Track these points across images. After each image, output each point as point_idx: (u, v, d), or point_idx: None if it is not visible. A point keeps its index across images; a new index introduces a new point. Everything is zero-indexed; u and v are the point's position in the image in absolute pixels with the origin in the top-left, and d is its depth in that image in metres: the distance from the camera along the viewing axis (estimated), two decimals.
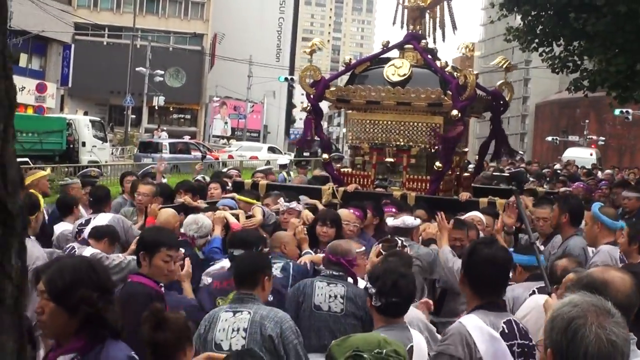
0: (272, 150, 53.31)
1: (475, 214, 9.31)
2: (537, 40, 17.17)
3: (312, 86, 11.62)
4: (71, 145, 36.93)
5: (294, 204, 9.25)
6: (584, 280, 3.74)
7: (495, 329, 4.33)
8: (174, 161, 37.81)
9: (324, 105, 12.95)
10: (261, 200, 10.14)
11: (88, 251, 7.24)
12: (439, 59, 11.72)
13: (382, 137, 11.36)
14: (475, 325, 4.31)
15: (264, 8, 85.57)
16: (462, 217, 8.87)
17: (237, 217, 9.09)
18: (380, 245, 7.15)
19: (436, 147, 11.08)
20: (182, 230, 8.05)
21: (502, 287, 4.69)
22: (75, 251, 7.36)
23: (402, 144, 11.28)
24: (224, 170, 18.26)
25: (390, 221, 8.39)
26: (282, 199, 9.56)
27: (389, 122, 11.30)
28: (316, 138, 12.06)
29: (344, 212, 8.73)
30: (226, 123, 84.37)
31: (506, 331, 4.36)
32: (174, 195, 10.62)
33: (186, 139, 53.97)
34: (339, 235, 8.16)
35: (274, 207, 9.59)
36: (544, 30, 16.70)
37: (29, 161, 28.97)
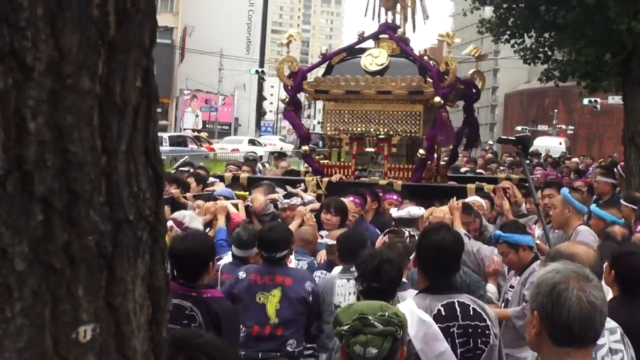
0: (252, 142, 53.14)
1: (476, 199, 9.29)
2: (508, 32, 17.16)
3: (289, 78, 11.54)
4: None
5: (294, 200, 9.10)
6: (552, 254, 4.14)
7: (429, 312, 4.36)
8: (173, 153, 38.16)
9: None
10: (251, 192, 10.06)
11: None
12: (412, 49, 11.69)
13: (361, 127, 11.32)
14: (407, 308, 4.32)
15: (233, 1, 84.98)
16: (465, 201, 8.81)
17: (236, 206, 8.85)
18: (387, 236, 7.11)
19: (419, 136, 11.07)
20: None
21: (447, 271, 4.71)
22: None
23: (382, 133, 11.23)
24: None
25: (394, 212, 8.33)
26: (280, 194, 9.44)
27: (369, 112, 11.27)
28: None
29: (347, 202, 8.65)
30: (197, 116, 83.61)
31: (443, 313, 4.37)
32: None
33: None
34: (343, 224, 8.14)
35: (270, 197, 9.46)
36: (515, 23, 16.70)
37: None
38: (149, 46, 1.53)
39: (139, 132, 1.49)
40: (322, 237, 7.94)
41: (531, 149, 45.63)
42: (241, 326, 5.89)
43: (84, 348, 1.38)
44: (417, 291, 4.94)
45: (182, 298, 5.08)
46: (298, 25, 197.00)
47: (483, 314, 4.52)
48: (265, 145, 50.67)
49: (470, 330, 4.38)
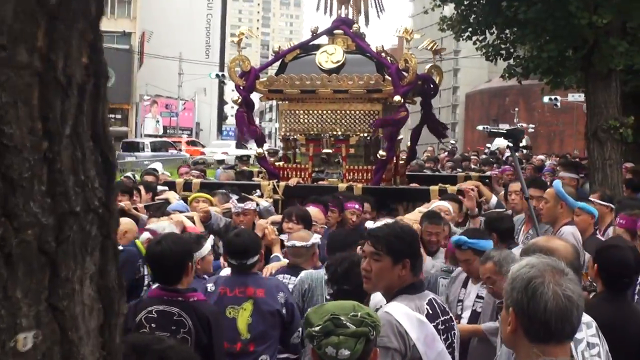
0: (240, 146, 52.91)
1: (442, 204, 8.75)
2: (470, 29, 16.88)
3: (241, 77, 11.01)
4: None
5: (248, 204, 8.61)
6: (531, 248, 3.97)
7: (420, 313, 4.16)
8: (155, 159, 39.21)
9: (256, 99, 12.26)
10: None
11: None
12: (369, 45, 11.18)
13: (318, 127, 10.80)
14: (403, 312, 4.09)
15: (191, 5, 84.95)
16: (430, 209, 8.39)
17: (192, 220, 8.39)
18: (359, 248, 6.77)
19: (378, 135, 10.60)
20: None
21: (421, 267, 4.52)
22: None
23: (339, 133, 10.72)
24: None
25: (370, 225, 7.91)
26: (234, 198, 8.93)
27: (325, 112, 10.76)
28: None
29: (312, 211, 8.15)
30: (158, 121, 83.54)
31: (430, 312, 4.20)
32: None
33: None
34: None
35: (224, 207, 8.97)
36: (477, 19, 16.45)
37: None
38: (96, 17, 1.43)
39: (85, 114, 1.38)
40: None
41: (492, 148, 45.79)
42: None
43: (24, 358, 1.27)
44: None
45: (169, 304, 5.01)
46: (257, 28, 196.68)
47: (446, 307, 4.49)
48: (250, 149, 51.19)
49: (446, 325, 4.27)
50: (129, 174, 13.29)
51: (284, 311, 5.83)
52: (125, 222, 7.89)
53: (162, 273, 5.20)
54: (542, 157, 33.35)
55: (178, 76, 77.38)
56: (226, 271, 6.54)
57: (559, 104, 55.31)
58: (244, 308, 5.78)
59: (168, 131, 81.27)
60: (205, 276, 6.41)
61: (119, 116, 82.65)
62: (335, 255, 5.32)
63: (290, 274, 6.60)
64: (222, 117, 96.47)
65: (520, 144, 9.83)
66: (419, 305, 4.17)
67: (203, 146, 52.59)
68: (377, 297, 5.06)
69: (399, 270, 4.19)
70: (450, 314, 4.43)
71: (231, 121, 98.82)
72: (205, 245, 6.49)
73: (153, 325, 4.98)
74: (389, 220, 7.72)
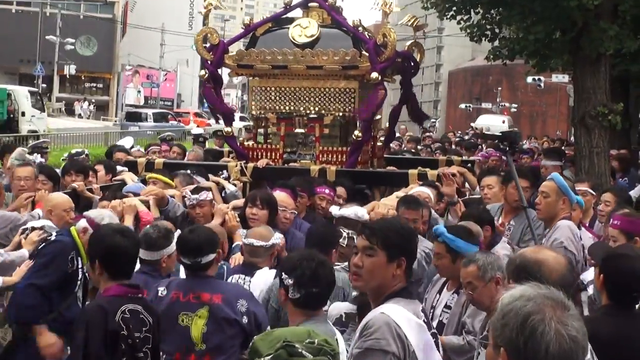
0: (243, 119, 52.12)
1: (421, 190, 8.08)
2: (454, 8, 16.18)
3: (209, 51, 10.21)
4: (11, 115, 37.86)
5: (203, 195, 7.82)
6: (517, 260, 3.71)
7: (420, 318, 3.75)
8: (157, 129, 41.10)
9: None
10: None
11: None
12: (345, 19, 10.38)
13: (290, 105, 10.00)
14: (402, 315, 3.65)
15: None
16: (409, 194, 7.74)
17: (147, 204, 7.70)
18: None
19: (353, 115, 9.88)
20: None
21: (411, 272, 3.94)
22: None
23: (313, 112, 9.97)
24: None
25: (335, 210, 7.25)
26: (187, 189, 8.16)
27: (298, 89, 9.94)
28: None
29: (280, 195, 7.44)
30: (139, 92, 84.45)
31: (425, 319, 3.82)
32: (61, 177, 9.08)
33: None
34: (272, 219, 7.07)
35: (183, 189, 8.23)
36: None
37: None
38: None
39: None
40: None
41: (475, 124, 45.12)
42: (160, 353, 4.96)
43: None
44: None
45: (134, 302, 4.72)
46: (241, 0, 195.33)
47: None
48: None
49: (434, 337, 3.87)
50: (80, 150, 12.42)
51: (244, 320, 5.19)
52: (58, 198, 7.17)
53: (118, 268, 4.86)
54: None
55: (160, 47, 77.65)
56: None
57: (542, 84, 54.80)
58: (198, 315, 5.16)
59: (149, 101, 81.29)
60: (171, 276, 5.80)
61: (100, 85, 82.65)
62: (292, 255, 4.73)
63: (246, 273, 5.96)
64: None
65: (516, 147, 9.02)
66: (416, 310, 3.76)
67: (209, 118, 52.03)
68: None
69: (393, 269, 3.74)
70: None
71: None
72: (173, 242, 5.82)
73: (130, 326, 4.63)
74: (358, 208, 7.08)
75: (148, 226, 6.17)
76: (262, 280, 5.81)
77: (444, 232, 5.67)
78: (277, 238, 6.22)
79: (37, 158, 9.86)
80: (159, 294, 5.28)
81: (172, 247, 5.76)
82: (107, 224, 5.73)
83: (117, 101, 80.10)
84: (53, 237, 6.24)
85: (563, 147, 19.38)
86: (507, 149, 6.83)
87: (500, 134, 7.15)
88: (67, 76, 67.29)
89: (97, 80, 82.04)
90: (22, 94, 39.67)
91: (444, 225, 6.28)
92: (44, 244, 6.23)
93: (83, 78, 79.06)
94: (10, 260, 6.35)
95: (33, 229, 6.72)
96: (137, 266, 5.73)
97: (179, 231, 6.21)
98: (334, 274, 4.59)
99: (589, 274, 6.11)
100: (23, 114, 38.50)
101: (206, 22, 10.24)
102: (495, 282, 4.89)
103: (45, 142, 14.87)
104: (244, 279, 5.88)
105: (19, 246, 6.65)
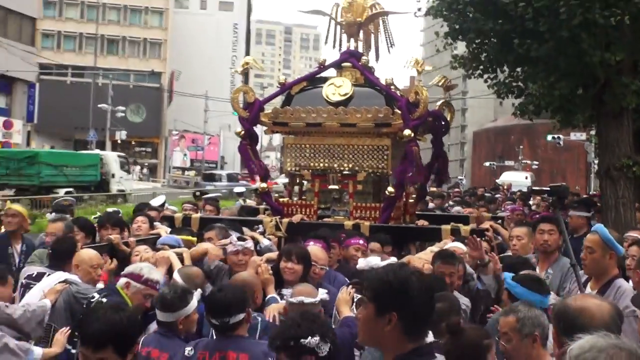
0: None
1: (457, 245, 7.52)
2: (481, 67, 15.73)
3: (245, 109, 9.79)
4: (103, 177, 40.78)
5: (249, 243, 7.35)
6: (557, 307, 3.38)
7: None
8: (229, 187, 42.92)
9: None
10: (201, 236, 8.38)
11: None
12: (378, 78, 9.92)
13: (324, 162, 9.53)
14: None
15: (217, 46, 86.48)
16: (444, 248, 7.27)
17: (181, 257, 7.16)
18: (352, 288, 5.69)
19: (388, 172, 9.40)
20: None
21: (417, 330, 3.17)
22: None
23: (346, 169, 9.47)
24: None
25: (361, 262, 6.71)
26: (233, 236, 7.62)
27: (332, 146, 9.47)
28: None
29: (313, 249, 6.87)
30: (185, 155, 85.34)
31: None
32: (97, 231, 8.65)
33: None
34: (306, 274, 6.49)
35: (221, 243, 7.63)
36: (488, 57, 15.28)
37: (73, 190, 34.56)
38: None
39: None
40: (282, 295, 6.24)
41: (499, 181, 44.24)
42: None
43: None
44: None
45: None
46: (279, 69, 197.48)
47: None
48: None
49: None
50: (115, 209, 12.00)
51: None
52: (86, 254, 6.68)
53: None
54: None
55: (204, 113, 78.32)
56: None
57: (561, 142, 54.04)
58: None
59: (195, 164, 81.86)
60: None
61: (149, 149, 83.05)
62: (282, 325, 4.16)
63: None
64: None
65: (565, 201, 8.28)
66: None
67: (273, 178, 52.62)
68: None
69: (384, 324, 3.06)
70: None
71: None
72: (191, 302, 5.28)
73: None
74: (372, 258, 6.51)
75: (165, 286, 5.64)
76: None
77: (510, 283, 5.15)
78: (323, 293, 5.66)
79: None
80: (186, 354, 4.77)
81: (190, 308, 5.25)
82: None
83: (164, 164, 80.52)
84: (104, 299, 5.73)
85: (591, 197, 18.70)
86: (556, 203, 6.03)
87: (549, 189, 6.45)
88: (119, 141, 67.50)
89: (146, 144, 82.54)
90: (111, 159, 42.67)
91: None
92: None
93: (133, 143, 79.51)
94: (32, 311, 5.84)
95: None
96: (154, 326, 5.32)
97: (209, 286, 5.70)
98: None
99: None
100: (113, 175, 41.41)
101: (242, 80, 9.85)
102: (532, 339, 4.28)
103: (67, 199, 14.49)
104: None
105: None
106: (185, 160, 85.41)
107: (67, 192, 33.46)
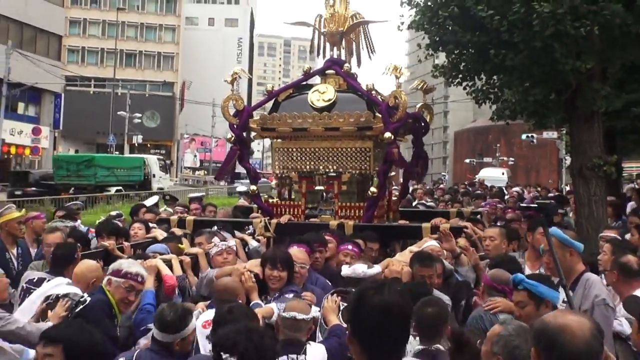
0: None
1: (433, 245, 6.99)
2: (460, 76, 15.24)
3: (235, 116, 9.24)
4: (146, 177, 43.15)
5: (231, 242, 6.87)
6: (536, 325, 2.75)
7: None
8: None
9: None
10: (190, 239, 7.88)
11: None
12: (360, 83, 9.38)
13: (310, 164, 8.99)
14: None
15: (224, 58, 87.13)
16: (421, 249, 6.68)
17: (169, 264, 6.53)
18: (337, 296, 5.24)
19: (370, 172, 8.87)
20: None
21: (395, 343, 2.77)
22: None
23: (331, 170, 8.92)
24: None
25: (345, 269, 6.03)
26: (216, 237, 7.09)
27: (317, 149, 8.95)
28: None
29: (293, 251, 6.34)
30: (195, 156, 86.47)
31: None
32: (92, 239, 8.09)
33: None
34: (290, 279, 5.94)
35: (208, 247, 7.06)
36: (466, 67, 14.78)
37: (122, 188, 37.62)
38: None
39: None
40: (268, 301, 5.75)
41: (478, 176, 43.72)
42: None
43: None
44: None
45: None
46: (279, 78, 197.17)
47: None
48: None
49: None
50: (118, 212, 11.39)
51: None
52: (85, 266, 6.00)
53: None
54: (517, 189, 30.37)
55: (212, 118, 78.49)
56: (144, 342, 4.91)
57: (535, 140, 53.48)
58: None
59: (204, 164, 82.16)
60: None
61: (163, 151, 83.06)
62: (226, 331, 3.54)
63: (293, 351, 4.54)
64: (249, 153, 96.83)
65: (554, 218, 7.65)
66: None
67: None
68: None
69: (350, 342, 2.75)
70: None
71: (257, 155, 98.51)
72: (190, 323, 4.66)
73: None
74: (358, 265, 5.87)
75: (164, 305, 4.88)
76: (320, 356, 4.59)
77: (524, 279, 4.55)
78: (315, 311, 5.05)
79: (69, 223, 8.78)
80: None
81: (189, 329, 4.64)
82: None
83: (177, 164, 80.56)
84: (89, 298, 5.27)
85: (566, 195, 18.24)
86: (544, 220, 5.36)
87: (537, 206, 5.80)
88: (135, 145, 67.61)
89: (160, 147, 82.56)
90: (153, 161, 45.46)
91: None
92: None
93: (148, 146, 79.46)
94: (28, 332, 5.14)
95: (57, 298, 5.55)
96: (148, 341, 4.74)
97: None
98: (275, 343, 3.73)
99: (626, 326, 5.11)
100: (154, 175, 43.93)
101: (232, 89, 9.30)
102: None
103: (76, 204, 13.95)
104: (296, 357, 4.52)
105: (42, 314, 5.50)
106: (195, 160, 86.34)
107: (117, 190, 37.04)
